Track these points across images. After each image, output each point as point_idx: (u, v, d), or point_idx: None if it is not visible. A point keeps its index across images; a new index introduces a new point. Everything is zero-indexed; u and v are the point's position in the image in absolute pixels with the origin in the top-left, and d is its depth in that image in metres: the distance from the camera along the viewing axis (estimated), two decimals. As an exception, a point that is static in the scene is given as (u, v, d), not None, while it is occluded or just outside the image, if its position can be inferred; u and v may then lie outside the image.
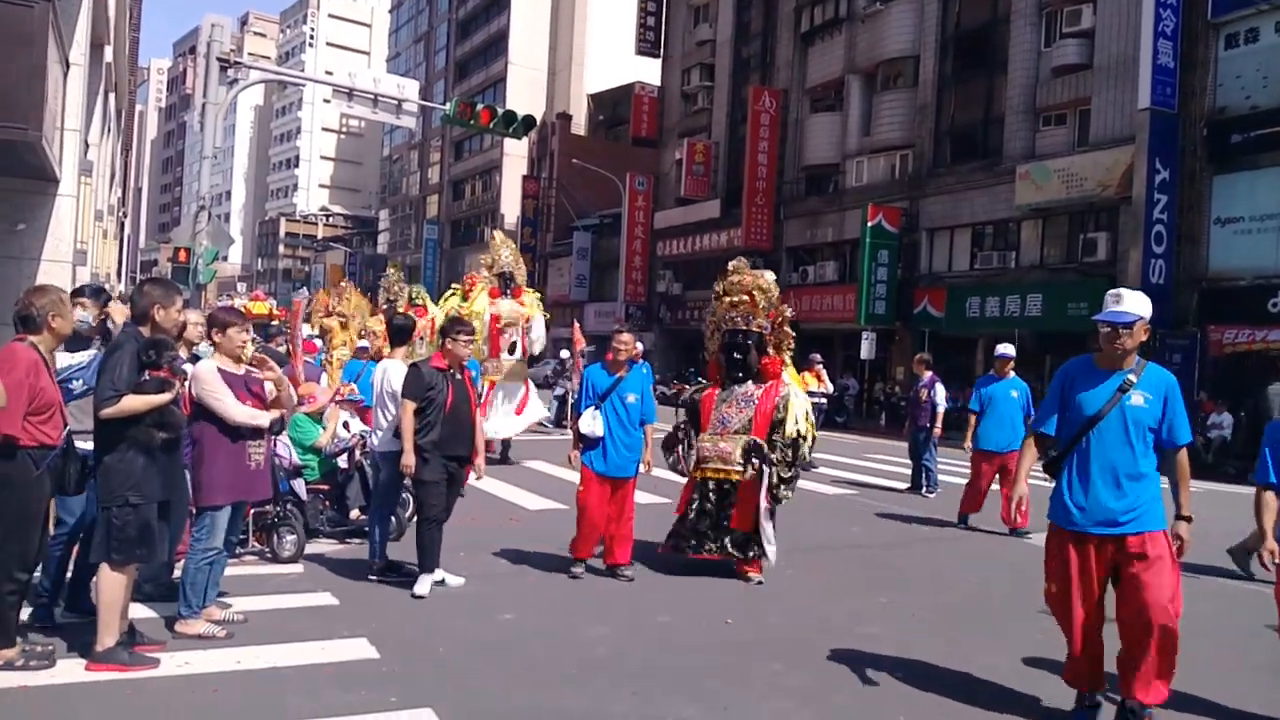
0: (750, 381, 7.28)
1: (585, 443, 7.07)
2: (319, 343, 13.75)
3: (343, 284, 16.10)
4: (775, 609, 6.31)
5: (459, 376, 6.54)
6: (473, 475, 6.95)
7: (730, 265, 7.58)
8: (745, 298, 7.37)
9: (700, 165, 37.42)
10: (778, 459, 7.01)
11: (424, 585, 6.31)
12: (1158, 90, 20.46)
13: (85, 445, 4.80)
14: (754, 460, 6.97)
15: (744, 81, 36.05)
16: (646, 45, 44.68)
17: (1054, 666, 5.24)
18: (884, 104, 29.56)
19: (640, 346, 16.69)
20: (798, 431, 7.09)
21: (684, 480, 7.54)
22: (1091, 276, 22.58)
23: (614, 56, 54.06)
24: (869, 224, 27.33)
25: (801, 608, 6.43)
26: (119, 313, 6.11)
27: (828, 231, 31.36)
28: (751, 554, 7.03)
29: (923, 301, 26.99)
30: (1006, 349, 10.40)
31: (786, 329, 7.44)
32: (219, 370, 5.32)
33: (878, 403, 27.82)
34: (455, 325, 6.70)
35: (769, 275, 7.61)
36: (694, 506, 7.23)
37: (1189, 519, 4.16)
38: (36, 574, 4.88)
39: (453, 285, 14.52)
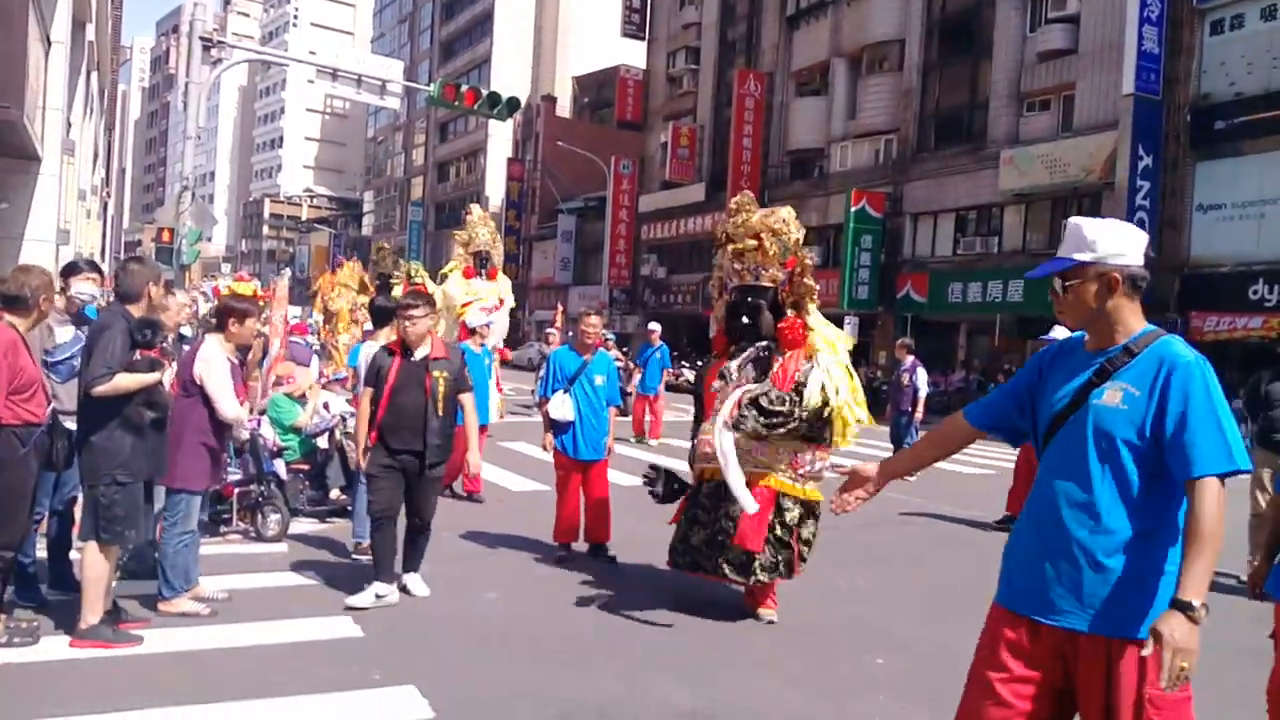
0: (754, 350, 5.68)
1: (556, 427, 7.06)
2: (311, 324, 13.67)
3: (350, 263, 15.75)
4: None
5: (415, 359, 5.71)
6: (469, 473, 6.43)
7: (733, 202, 5.90)
8: (753, 243, 5.68)
9: (685, 149, 37.38)
10: (763, 405, 5.25)
11: (363, 597, 5.53)
12: (1142, 76, 20.56)
13: (72, 425, 4.82)
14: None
15: (729, 65, 35.99)
16: (632, 28, 44.51)
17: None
18: (869, 88, 29.57)
19: (657, 327, 16.54)
20: (823, 401, 5.37)
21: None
22: (1074, 262, 22.70)
23: (599, 39, 53.80)
24: (853, 208, 27.40)
25: (783, 589, 6.49)
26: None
27: (811, 216, 31.33)
28: (755, 578, 5.45)
29: (905, 286, 27.11)
30: (1056, 332, 9.17)
31: (808, 280, 5.65)
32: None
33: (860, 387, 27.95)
34: (403, 302, 6.03)
35: (784, 212, 5.80)
36: (687, 515, 5.72)
37: (1188, 610, 2.27)
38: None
39: (451, 262, 14.12)
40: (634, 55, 46.36)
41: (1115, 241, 2.53)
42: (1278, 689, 3.18)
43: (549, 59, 57.73)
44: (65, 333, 5.22)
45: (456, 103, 17.59)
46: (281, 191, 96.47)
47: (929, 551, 8.11)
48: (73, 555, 5.30)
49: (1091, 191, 22.58)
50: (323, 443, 8.14)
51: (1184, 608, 2.27)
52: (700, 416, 5.93)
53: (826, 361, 5.48)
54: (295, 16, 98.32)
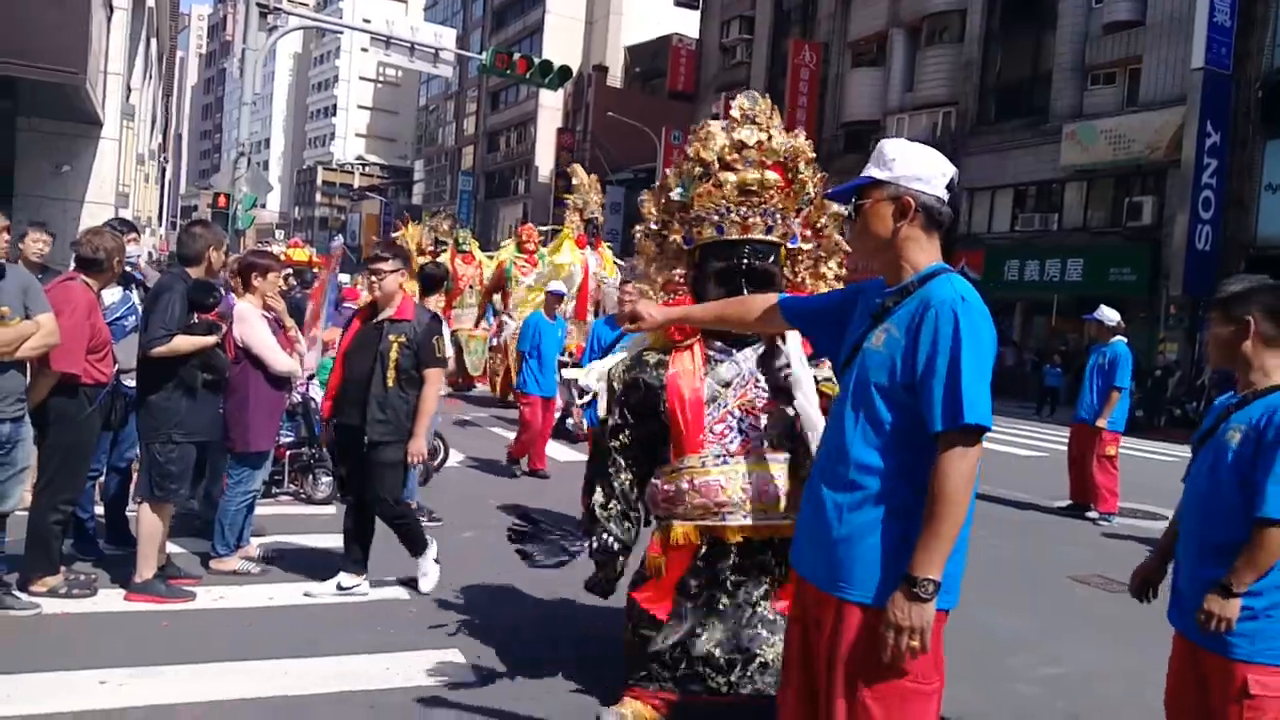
0: (756, 342, 3.69)
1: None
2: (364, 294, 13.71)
3: (412, 225, 15.68)
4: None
5: (377, 321, 5.00)
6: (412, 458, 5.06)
7: (737, 105, 3.87)
8: (774, 177, 3.72)
9: (738, 120, 36.99)
10: None
11: (346, 578, 5.02)
12: (1212, 50, 19.87)
13: (131, 383, 4.94)
14: None
15: (784, 34, 35.47)
16: (686, -4, 44.05)
17: (1074, 631, 5.24)
18: (928, 59, 28.99)
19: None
20: None
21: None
22: (1136, 241, 22.17)
23: (652, 7, 53.36)
24: (908, 183, 26.95)
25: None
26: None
27: (866, 190, 30.98)
28: None
29: (961, 263, 26.63)
30: (1103, 312, 8.92)
31: (838, 237, 3.89)
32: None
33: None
34: (372, 254, 5.20)
35: (804, 141, 3.84)
36: (686, 609, 3.57)
37: (912, 585, 2.08)
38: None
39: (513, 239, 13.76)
40: (687, 25, 45.93)
41: (914, 164, 2.29)
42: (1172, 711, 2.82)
43: (601, 28, 57.40)
44: (113, 294, 5.32)
45: (508, 71, 17.61)
46: (334, 159, 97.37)
47: (980, 531, 8.00)
48: (129, 512, 5.43)
49: (1156, 169, 21.98)
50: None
51: (908, 582, 2.07)
52: (672, 441, 3.60)
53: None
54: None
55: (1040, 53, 25.76)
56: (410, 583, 5.28)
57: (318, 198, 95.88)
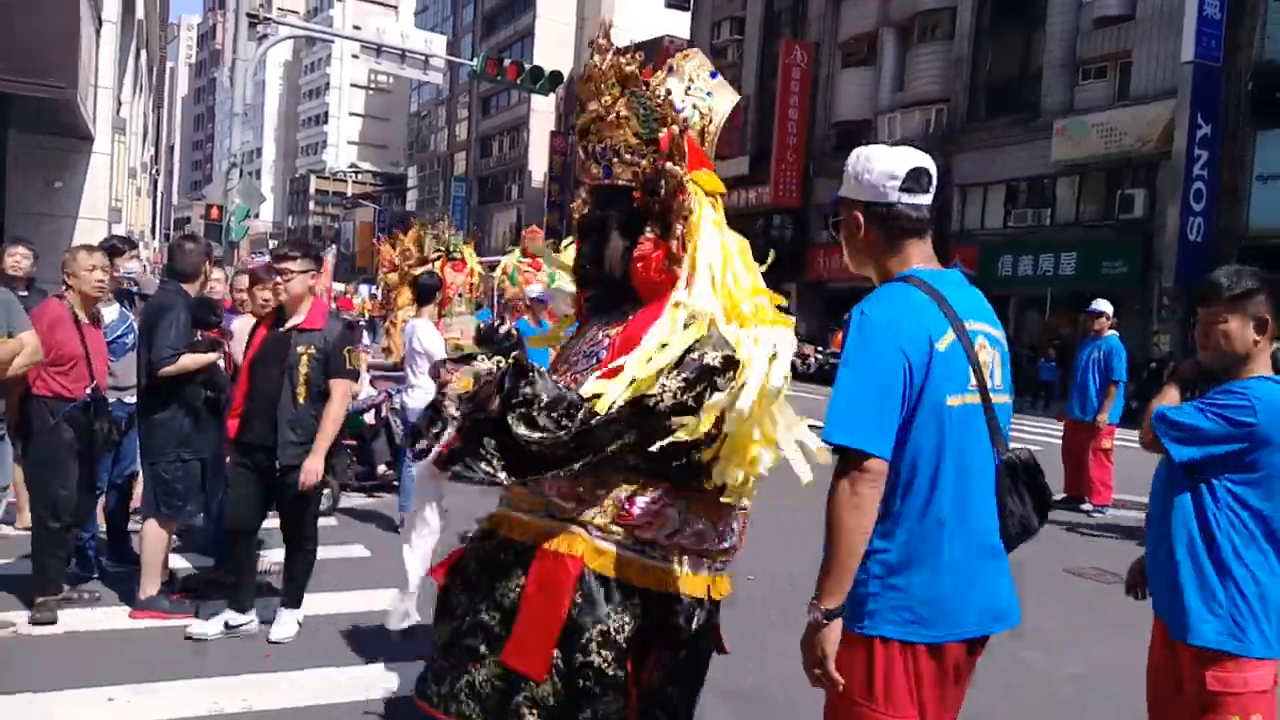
0: (609, 312, 3.10)
1: None
2: (357, 299, 13.75)
3: (415, 228, 15.54)
4: (802, 561, 6.35)
5: (283, 330, 4.48)
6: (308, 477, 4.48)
7: (592, 39, 3.24)
8: (596, 108, 3.09)
9: (729, 121, 37.00)
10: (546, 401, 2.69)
11: (210, 625, 4.50)
12: (1202, 42, 19.95)
13: (131, 399, 4.95)
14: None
15: (775, 35, 35.51)
16: (676, -2, 44.08)
17: (1072, 623, 5.26)
18: (919, 57, 29.04)
19: None
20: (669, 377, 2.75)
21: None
22: (1128, 234, 22.23)
23: (643, 9, 53.30)
24: (900, 181, 26.98)
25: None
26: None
27: (859, 188, 30.99)
28: None
29: (954, 260, 26.66)
30: (1099, 304, 9.12)
31: (676, 167, 2.93)
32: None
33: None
34: (277, 253, 4.66)
35: (688, 60, 3.53)
36: (457, 597, 3.06)
37: (809, 611, 2.04)
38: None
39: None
40: (678, 26, 45.94)
41: (866, 173, 2.19)
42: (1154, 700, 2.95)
43: (592, 31, 56.97)
44: (111, 312, 5.33)
45: (499, 77, 17.63)
46: (327, 168, 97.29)
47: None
48: (131, 528, 5.44)
49: (1147, 162, 22.04)
50: (369, 418, 8.25)
51: (809, 605, 2.02)
52: None
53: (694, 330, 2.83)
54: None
55: (1030, 48, 25.82)
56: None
57: (311, 206, 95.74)
